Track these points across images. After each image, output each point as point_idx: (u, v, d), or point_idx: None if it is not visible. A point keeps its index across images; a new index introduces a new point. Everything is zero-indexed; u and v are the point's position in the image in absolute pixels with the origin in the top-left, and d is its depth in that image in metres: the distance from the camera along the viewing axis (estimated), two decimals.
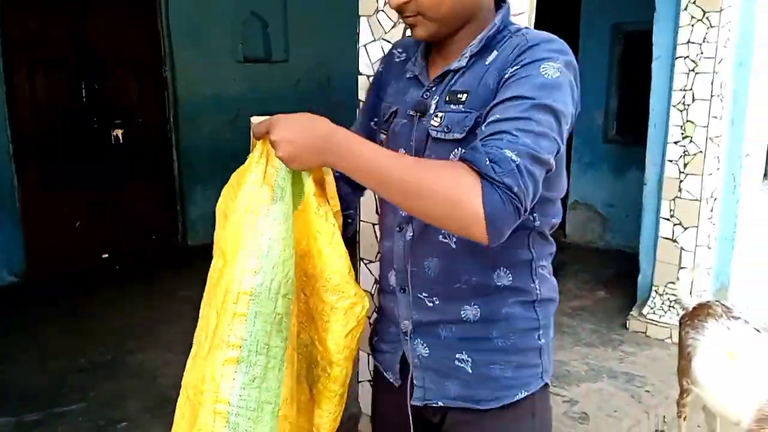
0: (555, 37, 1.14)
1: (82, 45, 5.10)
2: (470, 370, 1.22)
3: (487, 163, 0.98)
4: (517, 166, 0.98)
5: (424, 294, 1.23)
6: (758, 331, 2.45)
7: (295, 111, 1.13)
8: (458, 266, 1.19)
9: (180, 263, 5.31)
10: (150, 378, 3.45)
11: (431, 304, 1.22)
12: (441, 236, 1.19)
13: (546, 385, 1.28)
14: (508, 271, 1.20)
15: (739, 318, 2.48)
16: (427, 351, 1.25)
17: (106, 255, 5.33)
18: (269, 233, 1.07)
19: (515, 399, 1.22)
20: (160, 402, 3.17)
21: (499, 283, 1.20)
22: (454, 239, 1.17)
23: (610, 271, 5.14)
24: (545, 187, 1.07)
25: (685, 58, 3.73)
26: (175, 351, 3.75)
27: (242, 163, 1.18)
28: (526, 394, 1.23)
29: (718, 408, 2.51)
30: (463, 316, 1.20)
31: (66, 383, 3.38)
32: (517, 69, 1.09)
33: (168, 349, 3.77)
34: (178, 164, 5.77)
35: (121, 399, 3.23)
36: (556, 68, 1.08)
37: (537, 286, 1.23)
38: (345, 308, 1.21)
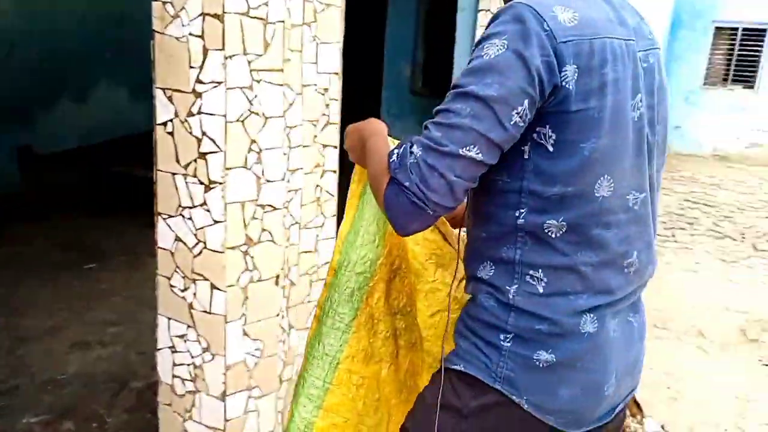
0: (522, 2, 1.03)
1: None
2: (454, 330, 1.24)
3: (393, 158, 1.05)
4: (415, 160, 1.01)
5: None
6: None
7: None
8: (468, 247, 1.22)
9: None
10: None
11: None
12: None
13: (499, 393, 1.12)
14: (492, 266, 1.14)
15: None
16: None
17: None
18: (351, 223, 1.36)
19: (454, 367, 1.17)
20: None
21: (479, 275, 1.16)
22: (470, 221, 1.21)
23: None
24: (533, 179, 1.06)
25: (486, 11, 3.84)
26: None
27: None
28: (464, 370, 1.15)
29: None
30: (468, 289, 1.23)
31: None
32: (473, 50, 1.06)
33: None
34: None
35: None
36: (499, 45, 1.01)
37: (514, 291, 1.11)
38: (425, 291, 1.36)
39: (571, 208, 1.07)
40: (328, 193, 2.25)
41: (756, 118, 9.53)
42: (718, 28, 9.70)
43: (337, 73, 2.16)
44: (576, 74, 1.01)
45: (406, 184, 1.01)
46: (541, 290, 1.10)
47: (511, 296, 1.11)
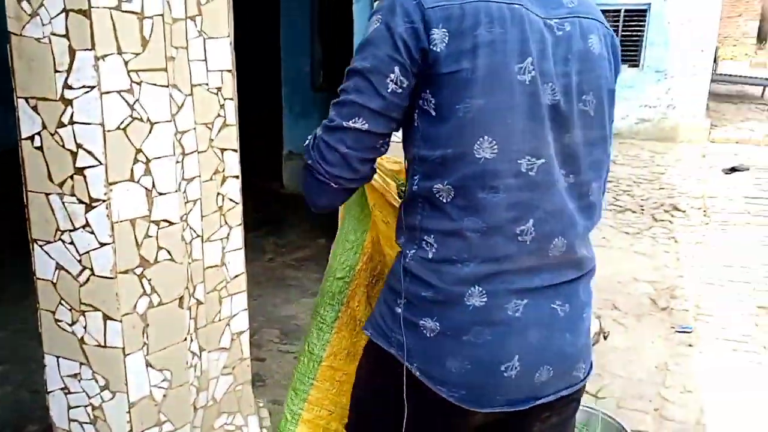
0: None
1: None
2: None
3: (306, 143, 1.16)
4: (315, 139, 1.13)
5: None
6: None
7: None
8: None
9: None
10: None
11: None
12: None
13: (401, 365, 1.15)
14: (406, 233, 1.19)
15: None
16: None
17: None
18: (338, 235, 1.50)
19: (364, 331, 1.26)
20: None
21: (398, 242, 1.21)
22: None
23: (329, 218, 5.16)
24: (422, 145, 1.10)
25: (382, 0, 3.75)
26: None
27: None
28: (370, 336, 1.23)
29: None
30: None
31: None
32: None
33: None
34: None
35: None
36: (375, 21, 1.09)
37: (410, 256, 1.16)
38: None
39: (453, 170, 1.09)
40: (231, 200, 2.07)
41: (642, 94, 10.03)
42: (602, 11, 10.05)
43: (230, 71, 1.98)
44: (446, 37, 1.05)
45: (310, 162, 1.13)
46: (430, 256, 1.13)
47: (407, 261, 1.15)
